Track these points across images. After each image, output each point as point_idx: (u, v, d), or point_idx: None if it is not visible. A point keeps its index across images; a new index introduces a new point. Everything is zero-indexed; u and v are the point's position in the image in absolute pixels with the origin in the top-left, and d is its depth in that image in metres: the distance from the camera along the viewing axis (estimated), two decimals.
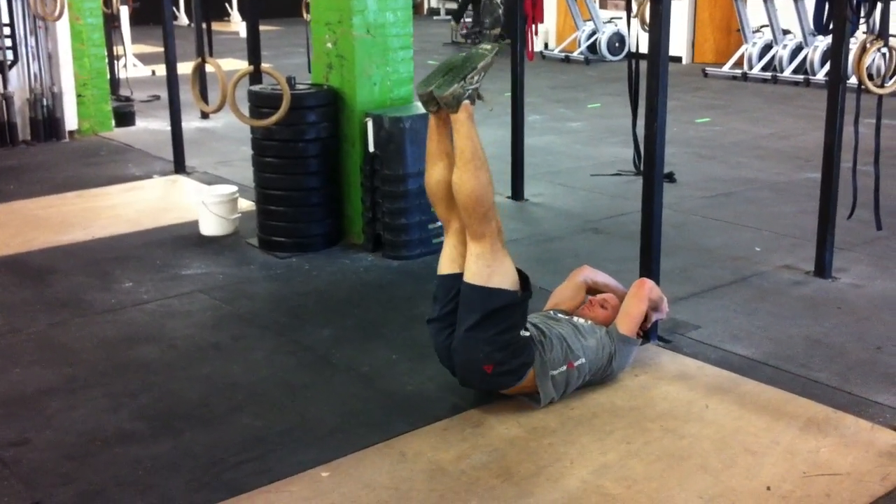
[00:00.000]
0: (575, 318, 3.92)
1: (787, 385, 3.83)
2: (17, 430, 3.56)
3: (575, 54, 14.84)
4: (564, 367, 3.66)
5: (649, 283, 4.07)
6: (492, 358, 3.51)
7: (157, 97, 10.97)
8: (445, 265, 3.65)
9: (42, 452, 3.40)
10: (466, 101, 3.54)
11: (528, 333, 3.59)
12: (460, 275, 3.57)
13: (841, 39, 4.82)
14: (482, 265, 3.50)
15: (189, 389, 3.89)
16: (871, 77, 4.90)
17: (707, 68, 13.23)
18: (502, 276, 3.51)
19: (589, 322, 3.91)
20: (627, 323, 3.90)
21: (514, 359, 3.54)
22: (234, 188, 6.11)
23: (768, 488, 3.11)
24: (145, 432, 3.54)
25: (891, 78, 5.04)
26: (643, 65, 4.53)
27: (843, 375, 3.92)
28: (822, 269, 5.06)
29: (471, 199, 3.47)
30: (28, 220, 6.37)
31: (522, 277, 3.63)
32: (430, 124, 3.72)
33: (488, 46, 3.65)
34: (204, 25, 9.05)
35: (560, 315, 3.94)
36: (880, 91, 4.92)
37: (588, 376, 3.76)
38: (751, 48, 12.73)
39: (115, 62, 11.03)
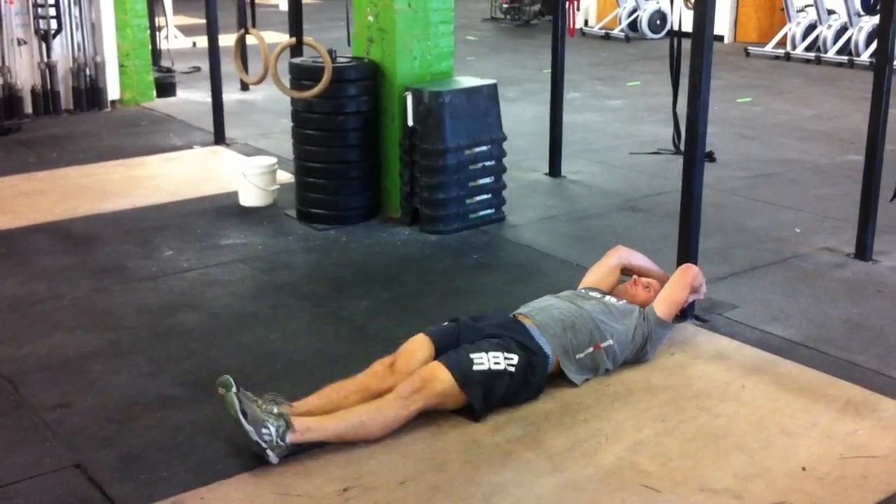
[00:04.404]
0: (607, 298, 3.91)
1: (825, 367, 3.81)
2: (59, 394, 3.63)
3: (615, 31, 14.72)
4: (591, 349, 3.67)
5: (695, 269, 4.05)
6: (517, 401, 3.51)
7: (198, 69, 11.03)
8: None
9: (84, 416, 3.46)
10: (288, 436, 3.11)
11: (514, 360, 3.45)
12: None
13: (888, 20, 4.75)
14: (422, 398, 3.32)
15: (228, 357, 3.94)
16: None
17: (749, 47, 13.06)
18: (440, 385, 3.33)
19: (622, 301, 3.90)
20: (666, 308, 3.89)
21: (528, 381, 3.51)
22: (273, 160, 6.14)
23: (804, 469, 3.10)
24: (186, 398, 3.59)
25: None
26: (685, 43, 4.49)
27: (883, 358, 3.90)
28: (863, 251, 5.02)
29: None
30: (71, 188, 6.46)
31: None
32: None
33: (221, 392, 3.15)
34: None
35: (592, 293, 3.94)
36: None
37: (621, 358, 3.76)
38: (794, 28, 12.55)
39: (157, 33, 11.10)
